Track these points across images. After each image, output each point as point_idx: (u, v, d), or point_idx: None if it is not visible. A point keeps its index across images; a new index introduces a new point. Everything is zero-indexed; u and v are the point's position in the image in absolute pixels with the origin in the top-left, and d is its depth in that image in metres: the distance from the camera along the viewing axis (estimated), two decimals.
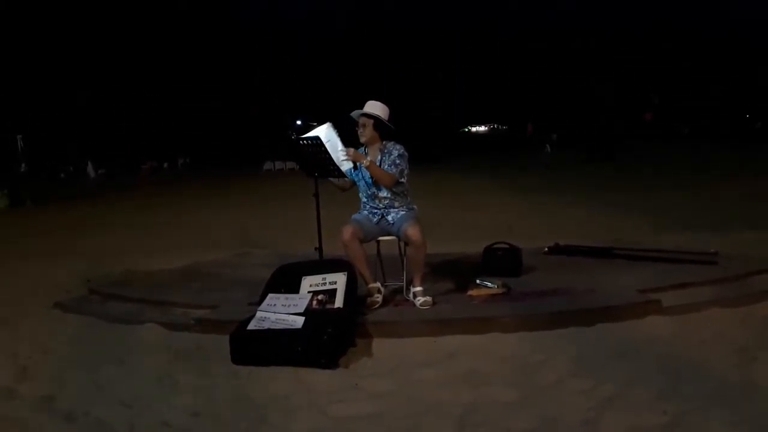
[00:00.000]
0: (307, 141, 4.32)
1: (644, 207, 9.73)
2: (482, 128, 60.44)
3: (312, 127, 4.55)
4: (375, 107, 4.45)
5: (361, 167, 4.39)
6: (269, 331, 3.76)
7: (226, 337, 3.79)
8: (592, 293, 4.40)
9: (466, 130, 56.76)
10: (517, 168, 21.85)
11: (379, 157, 4.44)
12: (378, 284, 4.44)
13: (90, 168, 32.13)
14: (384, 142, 4.48)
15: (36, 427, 2.96)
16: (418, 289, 4.33)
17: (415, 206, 4.58)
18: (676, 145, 30.26)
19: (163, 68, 38.08)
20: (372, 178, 4.40)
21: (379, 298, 4.36)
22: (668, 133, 38.62)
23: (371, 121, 4.42)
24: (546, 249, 5.86)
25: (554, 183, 15.32)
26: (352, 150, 4.36)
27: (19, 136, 26.94)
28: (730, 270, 4.78)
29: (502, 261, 5.08)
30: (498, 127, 58.83)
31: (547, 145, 33.62)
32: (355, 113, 4.50)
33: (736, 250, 5.59)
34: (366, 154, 4.50)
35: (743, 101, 45.26)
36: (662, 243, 5.80)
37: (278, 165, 29.65)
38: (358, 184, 4.56)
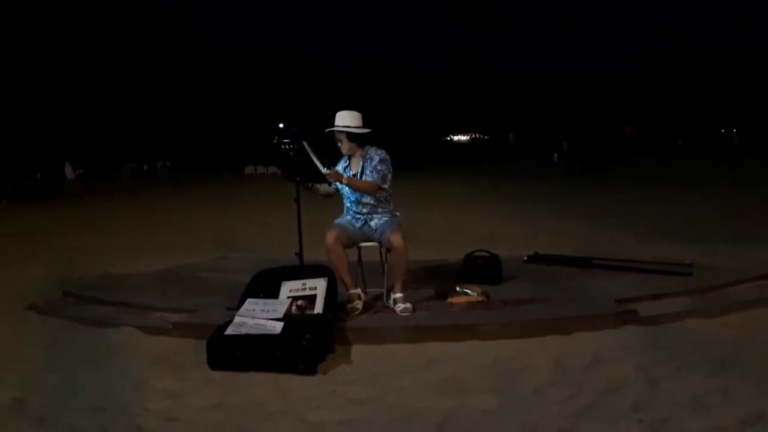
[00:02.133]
0: (289, 145, 4.30)
1: (623, 218, 9.85)
2: (464, 137, 60.83)
3: (294, 133, 4.53)
4: (344, 119, 4.44)
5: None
6: (247, 336, 3.73)
7: (204, 342, 3.75)
8: (570, 302, 4.44)
9: (448, 139, 57.07)
10: (498, 177, 22.00)
11: (362, 163, 4.45)
12: (359, 290, 4.43)
13: (68, 168, 31.66)
14: (366, 148, 4.49)
15: None
16: (399, 295, 4.32)
17: (398, 213, 4.59)
18: (660, 157, 30.66)
19: (146, 71, 37.81)
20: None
21: (359, 304, 4.35)
22: (655, 145, 38.95)
23: (344, 134, 4.43)
24: (525, 258, 5.90)
25: (535, 193, 15.44)
26: (332, 172, 4.34)
27: None
28: (705, 281, 4.86)
29: (482, 269, 5.10)
30: (479, 136, 59.24)
31: (555, 154, 32.35)
32: (329, 130, 4.48)
33: (711, 262, 5.68)
34: (349, 161, 4.51)
35: (726, 114, 46.26)
36: (640, 253, 5.87)
37: (260, 169, 29.56)
38: (341, 190, 4.56)
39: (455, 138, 59.66)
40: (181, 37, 38.78)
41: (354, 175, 4.45)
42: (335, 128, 4.43)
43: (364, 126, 4.46)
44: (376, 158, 4.43)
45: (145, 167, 37.79)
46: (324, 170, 4.28)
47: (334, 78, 39.88)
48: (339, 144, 4.49)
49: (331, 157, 4.53)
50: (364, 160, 4.46)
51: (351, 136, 4.42)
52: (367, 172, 4.42)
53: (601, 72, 43.38)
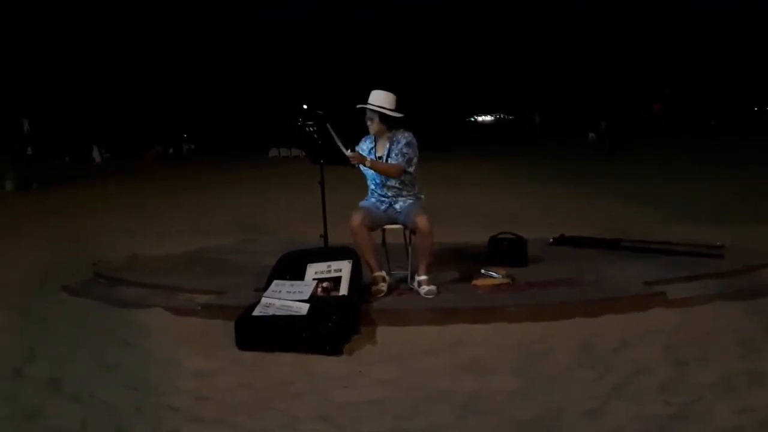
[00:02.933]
0: (312, 127, 4.31)
1: (651, 199, 9.69)
2: (488, 118, 60.25)
3: (318, 116, 4.53)
4: (379, 98, 4.38)
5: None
6: (274, 317, 3.78)
7: (232, 323, 3.81)
8: (597, 284, 4.40)
9: (472, 119, 56.61)
10: (524, 157, 21.77)
11: (388, 146, 4.43)
12: (383, 272, 4.45)
13: (95, 152, 32.13)
14: (393, 131, 4.46)
15: (42, 408, 2.98)
16: (423, 277, 4.33)
17: (422, 195, 4.58)
18: (686, 137, 29.96)
19: (171, 55, 38.18)
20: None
21: (384, 286, 4.36)
22: (685, 126, 38.02)
23: (377, 114, 4.40)
24: (551, 240, 5.85)
25: (561, 173, 15.25)
26: (355, 154, 4.33)
27: (25, 120, 26.92)
28: (735, 263, 4.77)
29: (507, 251, 5.08)
30: (503, 117, 58.61)
31: (591, 134, 30.48)
32: (361, 106, 4.45)
33: (742, 244, 5.57)
34: (375, 142, 4.49)
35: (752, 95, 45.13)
36: (668, 235, 5.79)
37: (284, 152, 29.64)
38: (365, 173, 4.55)
39: (479, 119, 59.19)
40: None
41: (379, 158, 4.43)
42: (369, 105, 4.39)
43: (397, 110, 4.42)
44: (403, 141, 4.40)
45: (171, 150, 38.12)
46: (347, 152, 4.28)
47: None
48: (369, 123, 4.43)
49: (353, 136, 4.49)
50: (391, 142, 4.43)
51: (383, 117, 4.38)
52: (393, 154, 4.40)
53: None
